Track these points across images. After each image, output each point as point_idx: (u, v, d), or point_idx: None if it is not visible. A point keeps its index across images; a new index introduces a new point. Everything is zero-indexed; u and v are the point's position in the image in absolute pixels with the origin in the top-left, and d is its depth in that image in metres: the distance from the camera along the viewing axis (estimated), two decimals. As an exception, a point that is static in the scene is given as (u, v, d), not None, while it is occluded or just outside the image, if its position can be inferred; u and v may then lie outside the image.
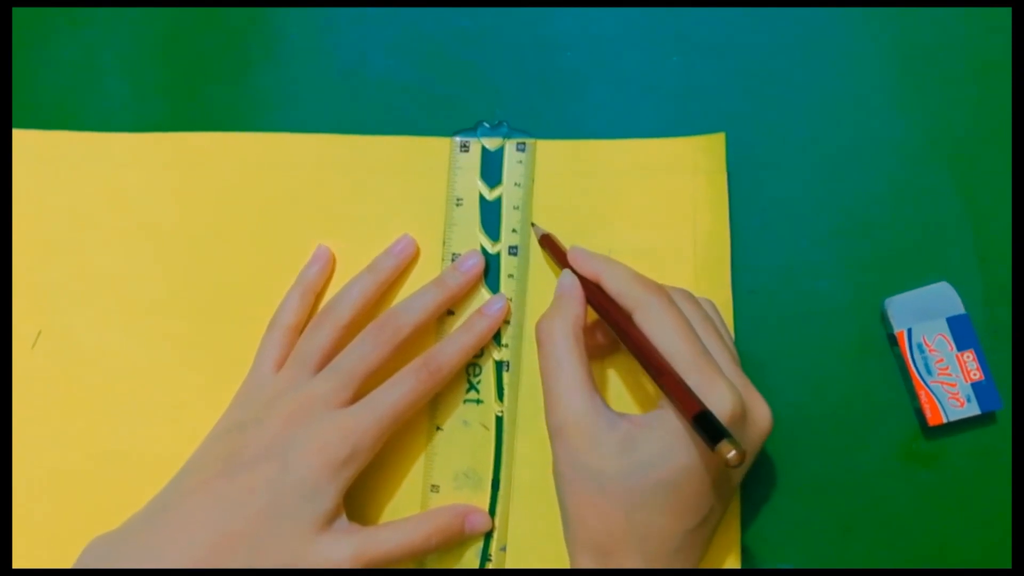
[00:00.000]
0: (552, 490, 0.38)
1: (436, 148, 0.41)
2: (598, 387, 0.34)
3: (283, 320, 0.39)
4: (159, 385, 0.41)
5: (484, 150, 0.40)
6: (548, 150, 0.41)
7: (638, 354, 0.33)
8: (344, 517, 0.35)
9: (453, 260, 0.40)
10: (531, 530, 0.39)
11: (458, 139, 0.40)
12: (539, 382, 0.39)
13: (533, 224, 0.40)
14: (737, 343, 0.39)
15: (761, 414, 0.33)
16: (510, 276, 0.40)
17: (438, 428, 0.39)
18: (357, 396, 0.36)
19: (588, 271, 0.37)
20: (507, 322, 0.39)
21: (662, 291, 0.35)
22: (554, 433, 0.34)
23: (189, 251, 0.41)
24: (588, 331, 0.37)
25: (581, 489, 0.33)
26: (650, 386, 0.39)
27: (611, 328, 0.35)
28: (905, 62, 0.41)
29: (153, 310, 0.41)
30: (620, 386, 0.39)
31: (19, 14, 0.45)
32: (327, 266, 0.40)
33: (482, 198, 0.40)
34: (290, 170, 0.42)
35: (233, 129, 0.42)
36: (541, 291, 0.40)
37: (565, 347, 0.34)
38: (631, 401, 0.39)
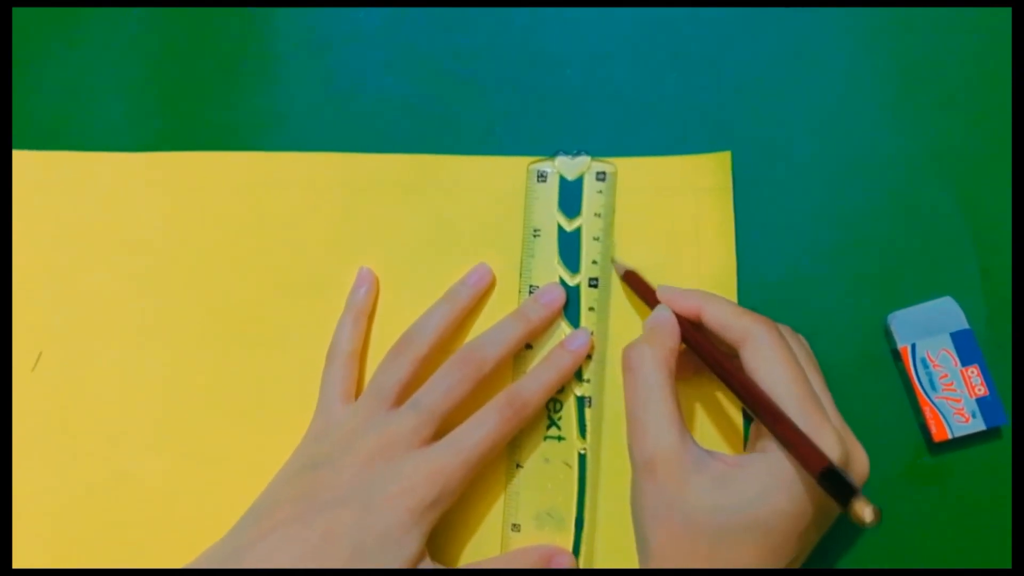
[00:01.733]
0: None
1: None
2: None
3: (341, 348, 0.38)
4: (159, 405, 0.40)
5: (562, 180, 0.39)
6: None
7: (745, 396, 0.32)
8: (428, 559, 0.34)
9: (531, 292, 0.39)
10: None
11: (535, 168, 0.39)
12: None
13: (614, 260, 0.39)
14: None
15: (860, 460, 0.32)
16: (591, 309, 0.39)
17: (518, 466, 0.38)
18: (439, 433, 0.35)
19: (685, 305, 0.35)
20: (588, 356, 0.38)
21: (772, 324, 0.34)
22: (640, 466, 0.33)
23: (188, 270, 0.41)
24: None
25: (666, 525, 0.32)
26: (736, 416, 0.38)
27: (712, 368, 0.34)
28: (906, 76, 0.41)
29: (153, 329, 0.41)
30: (704, 419, 0.38)
31: (14, 29, 0.45)
32: (373, 287, 0.40)
33: (560, 229, 0.39)
34: (285, 188, 0.41)
35: (229, 147, 0.42)
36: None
37: (657, 377, 0.33)
38: (714, 434, 0.38)
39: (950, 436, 0.37)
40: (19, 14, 0.45)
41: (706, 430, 0.38)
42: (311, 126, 0.42)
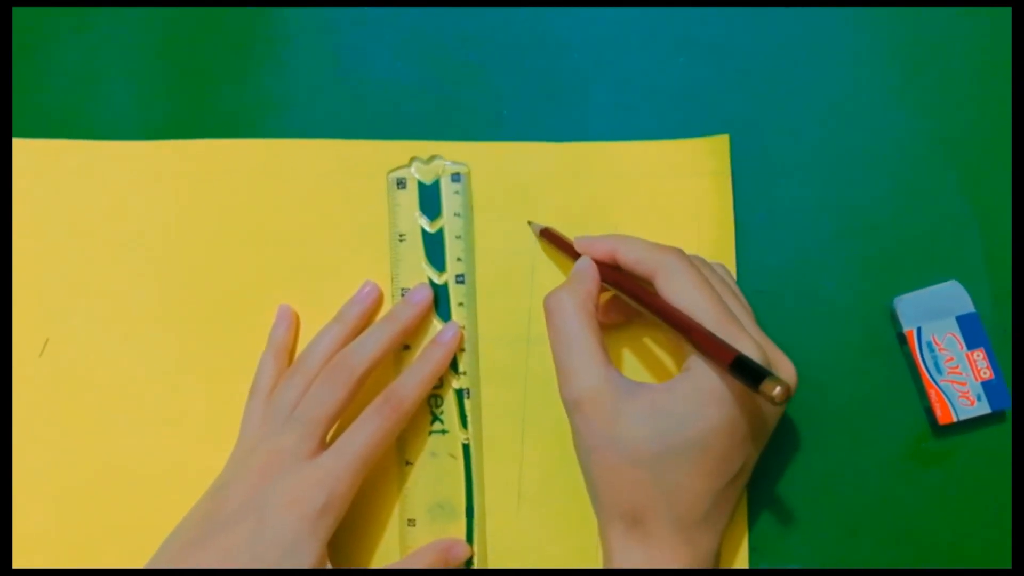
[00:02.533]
0: (525, 512, 0.39)
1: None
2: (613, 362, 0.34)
3: (261, 385, 0.39)
4: (163, 393, 0.41)
5: (421, 184, 0.41)
6: (552, 152, 0.41)
7: (663, 315, 0.33)
8: (329, 566, 0.35)
9: (403, 295, 0.40)
10: (508, 553, 0.39)
11: (393, 176, 0.41)
12: (501, 407, 0.40)
13: (530, 222, 0.40)
14: None
15: (786, 370, 0.34)
16: (460, 304, 0.40)
17: (408, 463, 0.40)
18: (325, 443, 0.36)
19: (601, 249, 0.36)
20: (462, 350, 0.40)
21: (681, 253, 0.35)
22: (572, 407, 0.33)
23: (192, 258, 0.41)
24: (602, 310, 0.38)
25: (607, 459, 0.33)
26: (667, 358, 0.39)
27: (631, 299, 0.35)
28: (909, 61, 0.41)
29: (159, 316, 0.41)
30: (635, 361, 0.40)
31: (20, 17, 0.44)
32: (293, 324, 0.40)
33: (424, 231, 0.41)
34: (292, 176, 0.41)
35: (236, 132, 0.42)
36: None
37: (576, 320, 0.34)
38: (648, 376, 0.39)
39: (955, 419, 0.37)
40: (25, 8, 0.44)
41: (639, 372, 0.39)
42: (319, 111, 0.42)
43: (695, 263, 0.35)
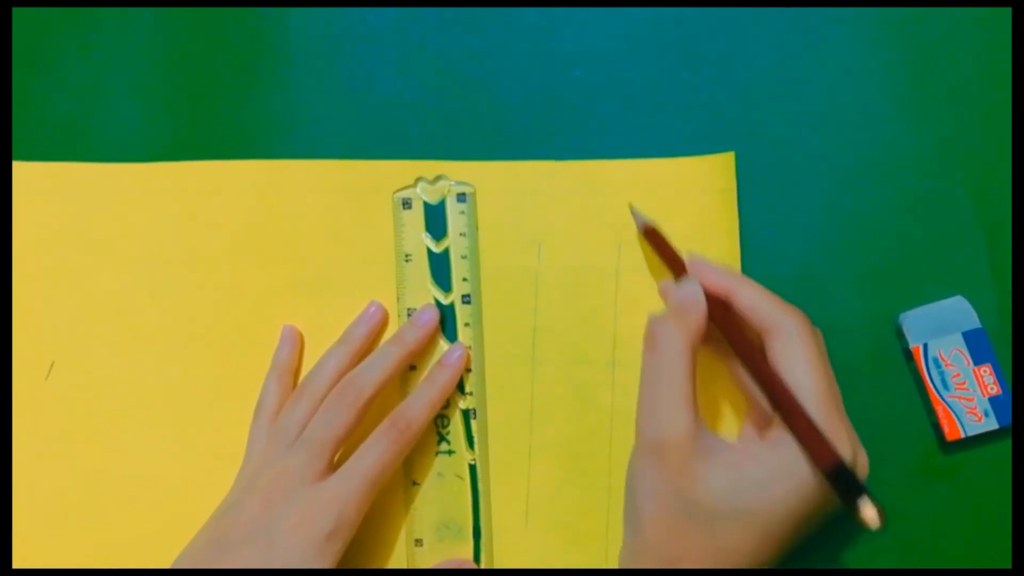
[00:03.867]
0: (532, 531, 0.39)
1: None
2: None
3: (266, 407, 0.39)
4: (171, 413, 0.41)
5: (426, 205, 0.41)
6: (557, 171, 0.41)
7: (766, 384, 0.32)
8: (329, 568, 0.35)
9: (409, 315, 0.40)
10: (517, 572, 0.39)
11: (399, 196, 0.41)
12: (507, 427, 0.40)
13: (632, 210, 0.40)
14: None
15: (863, 464, 0.33)
16: (466, 324, 0.40)
17: (414, 483, 0.40)
18: (333, 466, 0.37)
19: (716, 282, 0.35)
20: (468, 370, 0.40)
21: (804, 318, 0.33)
22: (649, 445, 0.32)
23: (196, 279, 0.41)
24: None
25: (666, 507, 0.32)
26: (729, 406, 0.38)
27: (735, 351, 0.34)
28: (914, 74, 0.41)
29: (163, 337, 0.41)
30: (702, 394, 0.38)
31: (22, 36, 0.44)
32: (297, 345, 0.41)
33: (430, 252, 0.41)
34: (296, 197, 0.41)
35: (241, 151, 0.42)
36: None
37: (680, 358, 0.33)
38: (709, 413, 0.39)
39: (963, 435, 0.37)
40: (30, 15, 0.44)
41: (705, 404, 0.38)
42: (323, 129, 0.42)
43: (816, 332, 0.33)
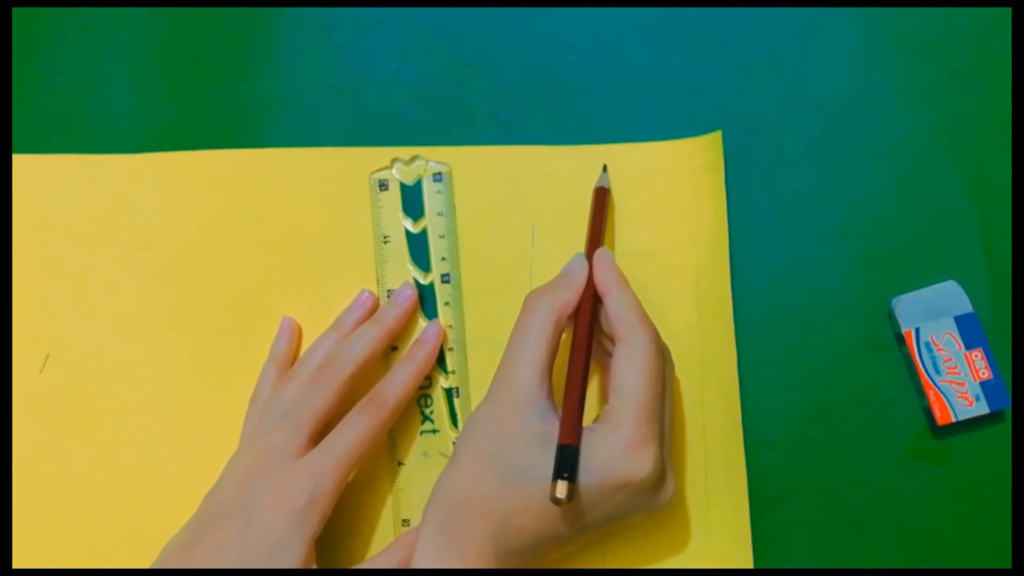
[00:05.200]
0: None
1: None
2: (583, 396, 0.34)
3: (261, 394, 0.39)
4: (166, 403, 0.41)
5: (403, 186, 0.41)
6: (552, 155, 0.41)
7: (575, 359, 0.34)
8: (314, 565, 0.35)
9: (389, 296, 0.40)
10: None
11: (375, 178, 0.41)
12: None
13: (605, 168, 0.40)
14: (745, 343, 0.39)
15: (667, 489, 0.34)
16: (446, 304, 0.40)
17: (400, 464, 0.40)
18: (314, 442, 0.37)
19: (602, 281, 0.36)
20: (451, 349, 0.40)
21: (656, 336, 0.35)
22: (492, 390, 0.35)
23: (192, 269, 0.42)
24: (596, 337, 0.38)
25: (481, 449, 0.34)
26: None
27: (574, 332, 0.35)
28: (909, 59, 0.41)
29: (158, 329, 0.41)
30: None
31: (20, 24, 0.44)
32: (295, 336, 0.41)
33: (408, 232, 0.41)
34: (282, 184, 0.42)
35: (238, 135, 0.42)
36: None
37: (540, 323, 0.34)
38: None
39: (954, 419, 0.37)
40: (26, 11, 0.45)
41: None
42: (319, 112, 0.42)
43: (661, 352, 0.35)
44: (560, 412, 0.33)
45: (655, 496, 0.33)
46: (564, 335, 0.36)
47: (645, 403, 0.33)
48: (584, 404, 0.33)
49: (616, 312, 0.35)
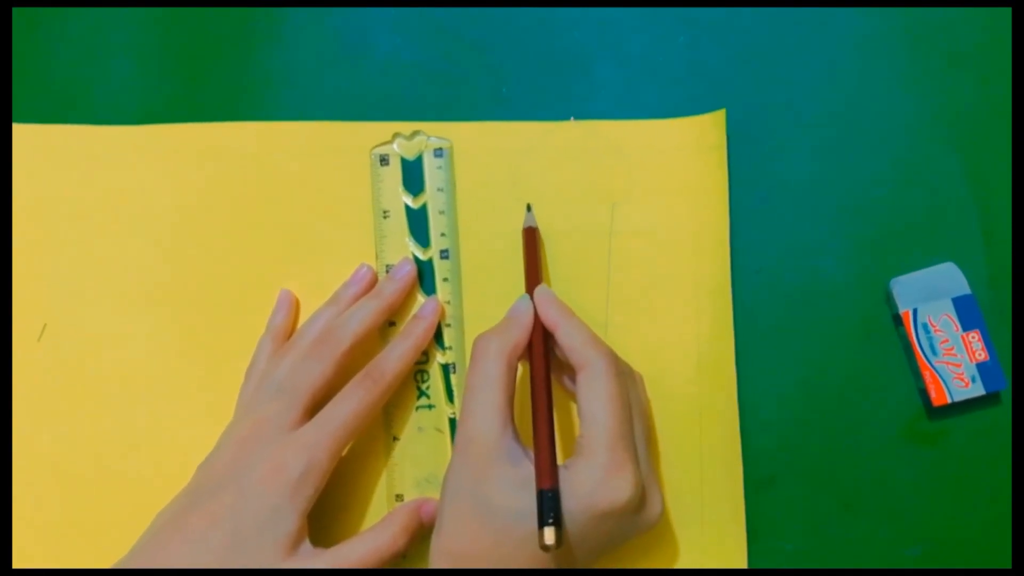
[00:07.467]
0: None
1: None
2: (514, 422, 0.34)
3: (257, 368, 0.39)
4: (163, 374, 0.41)
5: (403, 160, 0.41)
6: (552, 131, 0.41)
7: (535, 406, 0.34)
8: (308, 543, 0.35)
9: (388, 271, 0.40)
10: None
11: (376, 153, 0.41)
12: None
13: (529, 208, 0.40)
14: (742, 323, 0.39)
15: (653, 507, 0.34)
16: (445, 280, 0.40)
17: (395, 438, 0.40)
18: (309, 415, 0.37)
19: (548, 317, 0.36)
20: (448, 325, 0.40)
21: (612, 358, 0.35)
22: (458, 447, 0.34)
23: (190, 241, 0.42)
24: (556, 371, 0.38)
25: (463, 503, 0.33)
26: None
27: (531, 372, 0.35)
28: (911, 42, 0.41)
29: (156, 301, 0.41)
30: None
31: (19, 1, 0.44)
32: (292, 310, 0.41)
33: (408, 207, 0.41)
34: (282, 158, 0.41)
35: (237, 110, 0.42)
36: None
37: (495, 368, 0.34)
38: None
39: (950, 400, 0.37)
40: None
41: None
42: (319, 87, 0.42)
43: (621, 373, 0.35)
44: (532, 452, 0.33)
45: (641, 516, 0.34)
46: (522, 369, 0.36)
47: (614, 429, 0.33)
48: (555, 443, 0.33)
49: (569, 345, 0.35)
